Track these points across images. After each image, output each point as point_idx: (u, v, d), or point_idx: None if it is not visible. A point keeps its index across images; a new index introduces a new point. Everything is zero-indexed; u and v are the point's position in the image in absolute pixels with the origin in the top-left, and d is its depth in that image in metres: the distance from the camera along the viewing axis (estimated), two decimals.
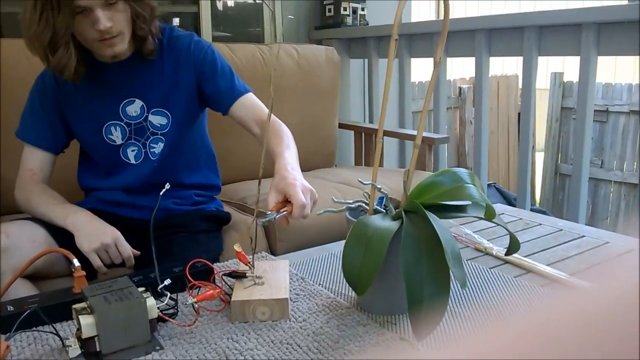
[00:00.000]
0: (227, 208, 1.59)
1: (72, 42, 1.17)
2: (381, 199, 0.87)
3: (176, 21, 2.54)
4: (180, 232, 1.33)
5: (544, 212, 2.82)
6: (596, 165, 4.18)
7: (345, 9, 2.71)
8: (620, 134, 4.14)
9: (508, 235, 0.85)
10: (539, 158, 4.67)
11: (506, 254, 0.91)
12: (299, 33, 2.82)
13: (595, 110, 2.12)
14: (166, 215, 1.36)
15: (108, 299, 0.71)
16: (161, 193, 0.84)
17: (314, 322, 0.79)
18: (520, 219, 1.32)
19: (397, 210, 0.83)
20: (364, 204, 0.87)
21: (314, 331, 0.76)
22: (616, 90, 4.19)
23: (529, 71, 2.04)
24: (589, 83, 1.87)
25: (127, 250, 1.21)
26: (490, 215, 0.82)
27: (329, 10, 2.74)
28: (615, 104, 4.16)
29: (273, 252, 1.56)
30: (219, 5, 2.66)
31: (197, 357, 0.70)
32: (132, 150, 1.34)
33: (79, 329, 0.70)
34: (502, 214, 1.36)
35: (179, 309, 0.82)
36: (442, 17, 0.84)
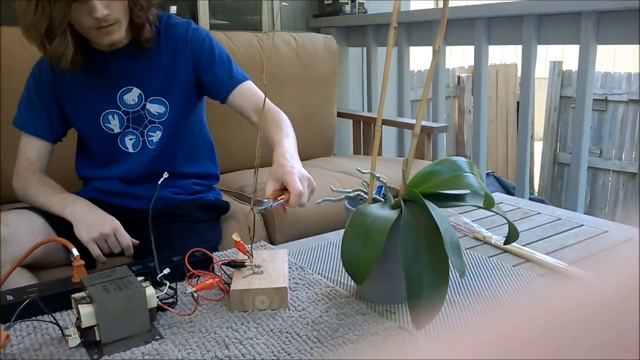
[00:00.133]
0: (225, 197, 1.59)
1: (69, 31, 1.16)
2: (380, 187, 0.87)
3: (173, 9, 2.52)
4: (178, 222, 1.33)
5: (542, 201, 2.83)
6: (595, 154, 4.18)
7: None
8: (619, 123, 4.14)
9: (507, 224, 0.85)
10: (538, 147, 4.67)
11: (505, 243, 0.91)
12: (297, 21, 2.80)
13: (594, 99, 2.12)
14: (164, 205, 1.36)
15: (107, 289, 0.71)
16: (159, 182, 0.83)
17: (313, 311, 0.79)
18: (519, 207, 1.32)
19: (396, 199, 0.83)
20: (362, 193, 0.87)
21: (313, 320, 0.76)
22: (615, 79, 4.18)
23: (528, 60, 2.03)
24: (588, 72, 1.87)
25: (126, 239, 1.21)
26: (489, 204, 0.82)
27: None
28: (614, 93, 4.15)
29: (272, 241, 1.56)
30: None
31: (197, 346, 0.71)
32: (130, 139, 1.34)
33: (78, 318, 0.70)
34: (501, 203, 1.36)
35: (178, 298, 0.82)
36: (441, 5, 0.83)
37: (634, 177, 3.94)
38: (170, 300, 0.80)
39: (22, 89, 1.34)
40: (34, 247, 0.87)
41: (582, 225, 1.18)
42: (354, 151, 2.54)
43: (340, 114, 2.48)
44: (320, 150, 2.33)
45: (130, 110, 1.32)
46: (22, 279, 1.11)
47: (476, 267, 0.96)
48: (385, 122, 2.24)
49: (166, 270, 0.81)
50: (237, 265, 0.86)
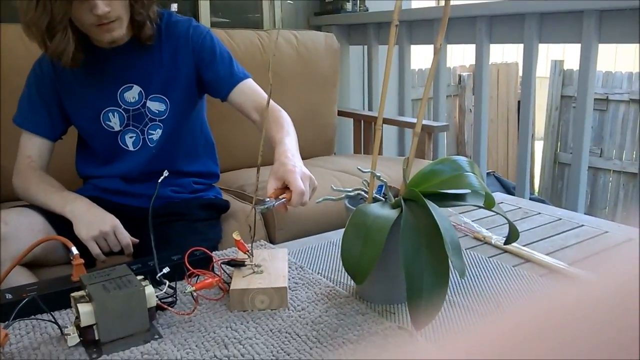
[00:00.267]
0: (225, 196, 1.59)
1: (69, 28, 1.16)
2: (380, 187, 0.87)
3: (174, 7, 2.52)
4: (178, 221, 1.32)
5: (543, 201, 2.83)
6: (595, 154, 4.18)
7: None
8: (620, 123, 4.14)
9: (507, 224, 0.84)
10: (539, 147, 4.67)
11: (505, 243, 0.91)
12: (298, 19, 2.80)
13: (595, 99, 2.11)
14: (165, 204, 1.35)
15: (107, 287, 0.71)
16: (159, 180, 0.83)
17: (313, 311, 0.79)
18: (519, 207, 1.32)
19: (396, 198, 0.83)
20: (363, 192, 0.87)
21: (312, 320, 0.76)
22: (616, 79, 4.17)
23: (530, 59, 2.03)
24: (589, 71, 1.86)
25: (126, 238, 1.21)
26: (489, 204, 0.82)
27: None
28: (615, 92, 4.15)
29: (272, 240, 1.56)
30: None
31: (196, 345, 0.70)
32: (130, 137, 1.33)
33: (77, 317, 0.69)
34: (501, 202, 1.36)
35: (177, 298, 0.82)
36: (442, 3, 0.83)
37: (635, 177, 3.94)
38: (170, 299, 0.80)
39: (22, 86, 1.33)
40: (33, 245, 0.87)
41: (582, 225, 1.17)
42: (354, 150, 2.54)
43: (341, 113, 2.48)
44: (321, 149, 2.33)
45: (131, 108, 1.31)
46: (21, 277, 1.11)
47: (476, 268, 0.96)
48: (386, 121, 2.24)
49: (166, 269, 0.80)
50: (237, 264, 0.86)
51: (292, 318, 0.77)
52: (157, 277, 0.80)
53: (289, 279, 0.86)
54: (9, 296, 0.78)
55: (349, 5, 2.71)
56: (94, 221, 1.18)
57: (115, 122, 1.32)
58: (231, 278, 0.84)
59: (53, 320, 0.73)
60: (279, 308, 0.80)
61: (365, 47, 2.80)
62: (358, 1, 2.75)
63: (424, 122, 2.11)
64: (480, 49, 2.20)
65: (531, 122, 2.13)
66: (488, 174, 3.52)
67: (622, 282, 0.17)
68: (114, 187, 1.35)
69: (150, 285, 0.74)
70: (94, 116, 1.31)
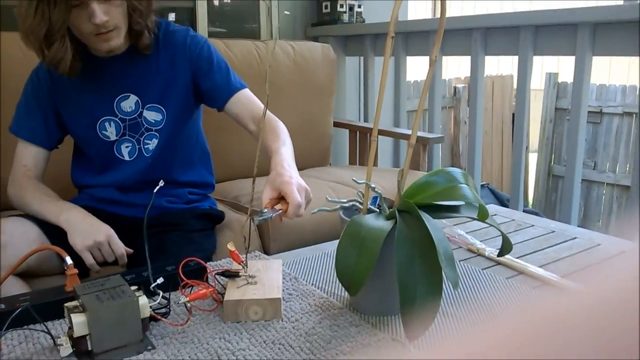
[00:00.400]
0: (220, 206, 1.59)
1: (67, 36, 1.16)
2: (375, 198, 0.87)
3: (172, 16, 2.53)
4: (173, 231, 1.32)
5: (536, 213, 2.84)
6: (589, 167, 4.20)
7: (341, 6, 2.71)
8: (613, 136, 4.16)
9: (501, 236, 0.85)
10: (533, 159, 4.69)
11: (498, 255, 0.91)
12: (295, 30, 2.81)
13: (589, 112, 2.13)
14: (160, 214, 1.35)
15: (100, 298, 0.71)
16: (155, 190, 0.83)
17: (307, 322, 0.79)
18: (513, 220, 1.32)
19: (390, 209, 0.83)
20: (357, 204, 0.87)
21: (306, 331, 0.76)
22: (610, 92, 4.20)
23: (524, 71, 2.04)
24: (583, 84, 1.88)
25: (120, 248, 1.21)
26: (483, 215, 0.82)
27: (326, 7, 2.74)
28: (609, 105, 4.17)
29: (266, 251, 1.56)
30: (215, 0, 2.66)
31: (189, 357, 0.70)
32: (126, 147, 1.33)
33: (70, 328, 0.69)
34: (495, 214, 1.37)
35: (171, 308, 0.82)
36: (438, 15, 0.84)
37: (628, 190, 3.95)
38: (163, 310, 0.80)
39: (19, 95, 1.33)
40: (27, 254, 0.86)
41: (575, 238, 1.18)
42: (349, 161, 2.55)
43: (336, 124, 2.49)
44: (316, 160, 2.33)
45: (127, 117, 1.31)
46: (14, 287, 1.11)
47: (470, 279, 0.96)
48: (381, 132, 2.25)
49: (160, 280, 0.80)
50: (231, 275, 0.86)
51: (285, 329, 0.77)
52: (151, 287, 0.79)
53: (283, 290, 0.86)
54: (1, 306, 0.77)
55: (345, 17, 2.73)
56: (88, 231, 1.18)
57: (111, 132, 1.32)
58: (225, 289, 0.84)
59: (46, 330, 0.73)
60: (273, 319, 0.80)
61: (362, 58, 2.81)
62: (355, 12, 2.76)
63: (419, 133, 2.13)
64: (476, 61, 2.22)
65: (525, 135, 2.15)
66: (482, 185, 3.53)
67: (614, 291, 0.18)
68: (109, 197, 1.35)
69: (144, 296, 0.74)
70: (91, 125, 1.31)
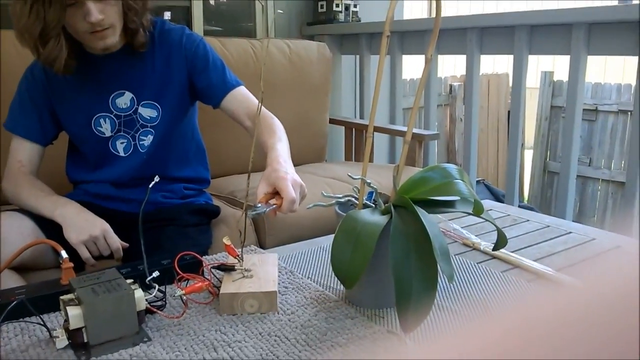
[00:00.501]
0: (216, 202, 1.59)
1: (63, 35, 1.16)
2: (371, 193, 0.87)
3: (167, 15, 2.53)
4: (169, 226, 1.32)
5: (531, 209, 2.84)
6: (584, 164, 4.21)
7: (337, 5, 2.71)
8: (608, 133, 4.18)
9: (496, 231, 0.85)
10: (528, 156, 4.71)
11: (493, 249, 0.92)
12: (291, 28, 2.81)
13: (584, 109, 2.14)
14: (155, 209, 1.35)
15: (96, 291, 0.71)
16: (150, 186, 0.83)
17: (302, 315, 0.79)
18: (508, 215, 1.33)
19: (386, 205, 0.83)
20: (353, 199, 0.88)
21: (302, 324, 0.77)
22: (605, 90, 4.22)
23: (520, 70, 2.05)
24: (578, 82, 1.89)
25: (116, 242, 1.21)
26: (478, 210, 0.83)
27: (321, 7, 2.74)
28: (604, 103, 4.19)
29: (262, 245, 1.56)
30: None
31: (185, 348, 0.71)
32: (122, 143, 1.34)
33: (66, 320, 0.69)
34: (490, 210, 1.37)
35: (167, 301, 0.82)
36: (434, 15, 0.84)
37: (623, 187, 3.97)
38: (159, 303, 0.80)
39: (13, 92, 1.33)
40: (23, 248, 0.87)
41: (570, 232, 1.19)
42: (345, 158, 2.55)
43: (332, 121, 2.49)
44: (312, 157, 2.33)
45: (122, 114, 1.31)
46: (10, 280, 1.11)
47: (465, 273, 0.97)
48: (377, 129, 2.25)
49: (155, 273, 0.80)
50: (227, 268, 0.86)
51: (281, 322, 0.77)
52: (146, 281, 0.80)
53: (278, 284, 0.87)
54: None
55: (341, 16, 2.73)
56: (84, 225, 1.18)
57: (106, 128, 1.32)
58: (221, 282, 0.84)
59: (42, 323, 0.73)
60: (269, 312, 0.80)
61: (357, 56, 2.81)
62: (350, 11, 2.77)
63: (415, 130, 2.13)
64: (471, 59, 2.22)
65: (521, 132, 2.16)
66: (478, 182, 3.54)
67: (613, 287, 0.18)
68: (104, 193, 1.35)
69: (140, 289, 0.74)
70: (85, 122, 1.31)
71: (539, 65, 5.49)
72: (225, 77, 1.35)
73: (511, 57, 2.09)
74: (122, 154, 1.34)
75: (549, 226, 1.23)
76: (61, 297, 0.72)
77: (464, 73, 2.34)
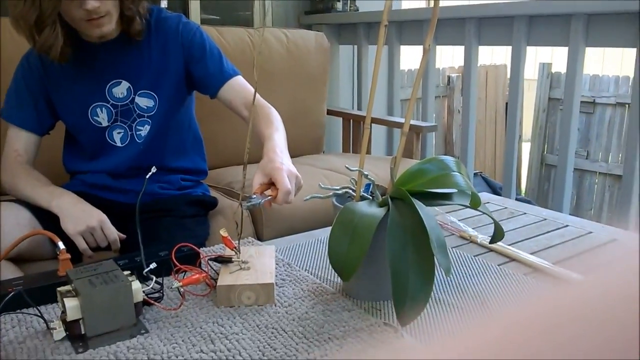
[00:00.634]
0: (213, 193, 1.59)
1: (58, 22, 1.15)
2: (368, 185, 0.87)
3: (164, 3, 2.51)
4: (166, 217, 1.32)
5: (529, 202, 2.85)
6: (582, 156, 4.22)
7: None
8: (606, 126, 4.18)
9: (493, 224, 0.85)
10: (526, 148, 4.71)
11: (490, 242, 0.92)
12: (289, 18, 2.80)
13: (582, 102, 2.13)
14: (152, 200, 1.35)
15: (93, 282, 0.71)
16: (147, 176, 0.83)
17: (299, 307, 0.79)
18: (505, 207, 1.33)
19: (383, 197, 0.83)
20: (350, 191, 0.88)
21: (299, 316, 0.77)
22: (603, 82, 4.22)
23: (518, 61, 2.05)
24: (576, 74, 1.88)
25: (113, 233, 1.21)
26: (475, 203, 0.83)
27: None
28: (602, 95, 4.19)
29: (259, 237, 1.56)
30: None
31: (182, 340, 0.71)
32: (118, 133, 1.33)
33: (63, 312, 0.69)
34: (488, 202, 1.37)
35: (164, 293, 0.82)
36: (432, 4, 0.84)
37: (620, 180, 3.98)
38: (157, 294, 0.80)
39: (9, 81, 1.32)
40: (20, 239, 0.86)
41: (567, 225, 1.19)
42: (343, 149, 2.55)
43: (330, 112, 2.48)
44: (310, 148, 2.33)
45: (119, 103, 1.31)
46: (7, 272, 1.10)
47: (462, 266, 0.97)
48: (375, 120, 2.25)
49: (153, 265, 0.80)
50: (224, 260, 0.86)
51: (278, 314, 0.77)
52: (144, 272, 0.80)
53: (276, 276, 0.87)
54: None
55: (339, 5, 2.72)
56: (81, 216, 1.18)
57: (103, 118, 1.31)
58: (218, 274, 0.84)
59: (39, 314, 0.73)
60: (266, 304, 0.80)
61: (355, 46, 2.80)
62: (348, 1, 2.75)
63: (413, 122, 2.13)
64: (469, 50, 2.22)
65: (518, 124, 2.15)
66: (475, 174, 3.54)
67: (617, 283, 0.18)
68: (101, 183, 1.35)
69: (137, 281, 0.74)
70: (82, 111, 1.30)
71: (537, 56, 5.48)
72: (223, 67, 1.34)
73: (509, 48, 2.08)
74: (119, 144, 1.34)
75: (546, 219, 1.23)
76: (58, 289, 0.72)
77: (462, 64, 2.34)
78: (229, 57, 1.40)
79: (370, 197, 0.86)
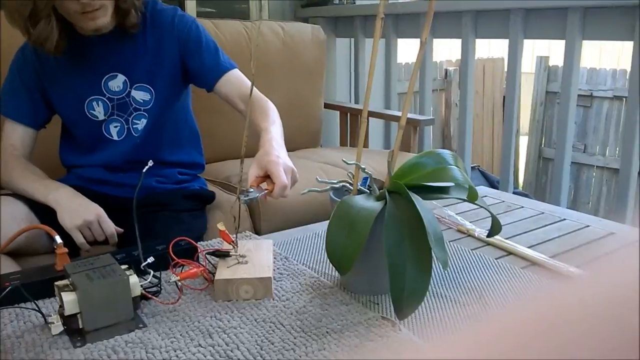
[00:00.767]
0: (211, 187, 1.59)
1: (53, 15, 1.14)
2: (365, 179, 0.87)
3: None
4: (163, 211, 1.32)
5: (526, 195, 2.85)
6: (579, 150, 4.22)
7: None
8: (603, 119, 4.18)
9: (490, 217, 0.86)
10: (523, 142, 4.71)
11: (488, 236, 0.92)
12: (285, 10, 2.79)
13: (579, 95, 2.14)
14: (149, 194, 1.35)
15: (91, 276, 0.71)
16: (144, 170, 0.83)
17: (297, 301, 0.79)
18: (503, 201, 1.33)
19: (380, 190, 0.83)
20: (348, 184, 0.88)
21: (297, 310, 0.77)
22: (600, 76, 4.21)
23: (515, 54, 2.05)
24: (573, 67, 1.88)
25: (111, 227, 1.21)
26: (472, 197, 0.83)
27: None
28: (599, 89, 4.19)
29: (257, 231, 1.56)
30: None
31: (180, 334, 0.71)
32: (115, 127, 1.33)
33: (61, 306, 0.69)
34: (485, 196, 1.38)
35: (162, 287, 0.82)
36: None
37: (617, 173, 3.98)
38: (154, 289, 0.80)
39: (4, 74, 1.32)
40: (17, 234, 0.86)
41: (564, 219, 1.19)
42: (340, 143, 2.54)
43: (327, 105, 2.48)
44: (307, 141, 2.33)
45: (115, 97, 1.30)
46: (4, 266, 1.10)
47: (459, 259, 0.97)
48: (372, 114, 2.24)
49: (150, 259, 0.80)
50: (222, 254, 0.86)
51: (276, 308, 0.78)
52: (141, 266, 0.80)
53: (273, 270, 0.87)
54: None
55: None
56: (78, 210, 1.18)
57: (99, 111, 1.31)
58: (216, 268, 0.84)
59: (37, 308, 0.73)
60: (264, 298, 0.80)
61: (352, 39, 2.80)
62: None
63: (410, 115, 2.13)
64: (466, 43, 2.21)
65: (516, 117, 2.15)
66: (472, 168, 3.54)
67: (620, 283, 0.17)
68: (97, 177, 1.35)
69: (135, 275, 0.74)
70: (78, 105, 1.30)
71: (534, 50, 5.47)
72: (219, 60, 1.34)
73: (506, 41, 2.08)
74: (115, 137, 1.33)
75: (543, 213, 1.23)
76: (56, 283, 0.72)
77: (460, 57, 2.33)
78: (225, 51, 1.40)
79: (368, 191, 0.86)
